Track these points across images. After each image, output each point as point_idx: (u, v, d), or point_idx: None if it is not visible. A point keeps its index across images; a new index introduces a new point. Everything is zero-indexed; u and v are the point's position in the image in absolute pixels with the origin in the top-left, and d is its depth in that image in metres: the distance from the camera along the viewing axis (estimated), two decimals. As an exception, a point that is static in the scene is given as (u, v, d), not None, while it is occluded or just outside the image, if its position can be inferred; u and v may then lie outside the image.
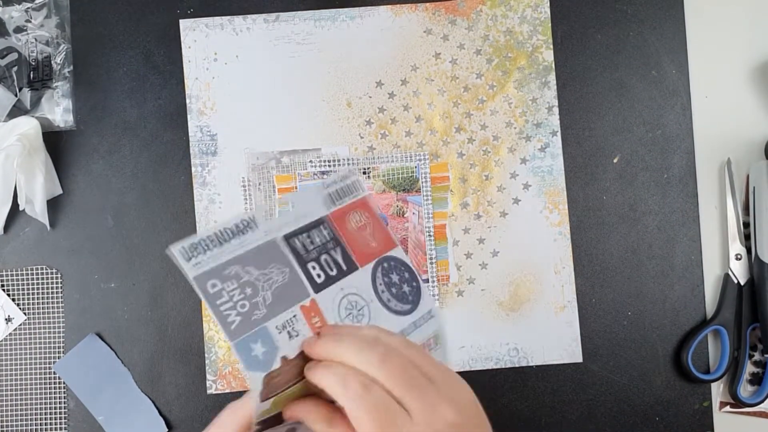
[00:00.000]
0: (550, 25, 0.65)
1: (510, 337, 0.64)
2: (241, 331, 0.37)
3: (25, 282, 0.64)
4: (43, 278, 0.64)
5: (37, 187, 0.62)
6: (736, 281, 0.64)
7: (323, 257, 0.41)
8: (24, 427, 0.63)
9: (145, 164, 0.65)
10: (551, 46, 0.65)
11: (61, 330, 0.63)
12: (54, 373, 0.63)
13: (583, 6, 0.66)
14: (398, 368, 0.35)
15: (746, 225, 0.64)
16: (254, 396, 0.36)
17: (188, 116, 0.65)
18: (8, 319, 0.63)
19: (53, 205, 0.64)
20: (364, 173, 0.64)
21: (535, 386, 0.64)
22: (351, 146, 0.65)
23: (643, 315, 0.64)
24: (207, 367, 0.63)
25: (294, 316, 0.39)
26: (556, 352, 0.64)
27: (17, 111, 0.64)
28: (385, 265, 0.43)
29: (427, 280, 0.64)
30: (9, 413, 0.63)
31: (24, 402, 0.63)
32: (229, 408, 0.38)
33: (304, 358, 0.38)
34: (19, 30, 0.65)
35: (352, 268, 0.42)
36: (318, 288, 0.40)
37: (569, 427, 0.64)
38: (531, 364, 0.64)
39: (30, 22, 0.64)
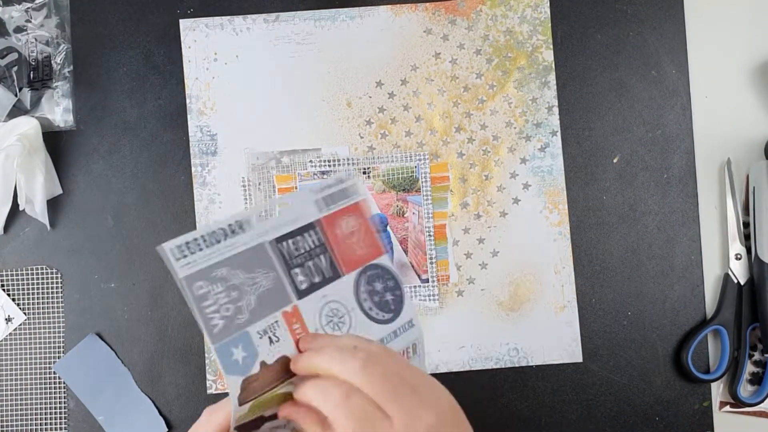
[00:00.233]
0: (550, 25, 0.65)
1: (510, 337, 0.64)
2: (224, 335, 0.37)
3: (25, 282, 0.64)
4: (43, 278, 0.64)
5: (37, 187, 0.62)
6: (736, 281, 0.64)
7: (309, 263, 0.41)
8: (24, 427, 0.63)
9: (145, 164, 0.65)
10: (551, 46, 0.65)
11: (61, 330, 0.63)
12: (54, 373, 0.63)
13: (583, 6, 0.66)
14: (378, 375, 0.36)
15: (746, 225, 0.64)
16: (232, 400, 0.37)
17: (188, 116, 0.65)
18: (8, 319, 0.63)
19: (53, 205, 0.64)
20: (364, 173, 0.64)
21: (535, 386, 0.64)
22: (351, 146, 0.65)
23: (643, 315, 0.64)
24: (207, 367, 0.63)
25: (276, 321, 0.39)
26: (556, 352, 0.64)
27: (17, 111, 0.64)
28: (370, 273, 0.43)
29: (426, 280, 0.64)
30: (9, 413, 0.63)
31: (24, 402, 0.63)
32: (207, 412, 0.39)
33: (282, 364, 0.39)
34: (19, 30, 0.65)
35: (336, 275, 0.42)
36: (301, 294, 0.40)
37: (569, 427, 0.64)
38: (531, 364, 0.64)
39: (30, 22, 0.64)
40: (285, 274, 0.40)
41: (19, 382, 0.63)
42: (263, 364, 0.38)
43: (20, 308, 0.64)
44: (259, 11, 0.65)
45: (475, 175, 0.65)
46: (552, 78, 0.65)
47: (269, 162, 0.65)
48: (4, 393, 0.63)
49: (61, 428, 0.63)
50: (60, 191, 0.64)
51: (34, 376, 0.63)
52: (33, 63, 0.64)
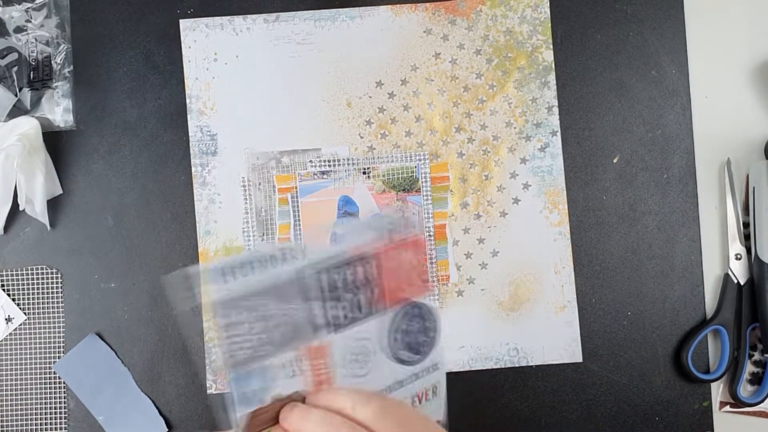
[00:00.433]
0: (549, 25, 0.65)
1: (510, 337, 0.64)
2: (244, 366, 0.36)
3: (25, 282, 0.64)
4: (43, 278, 0.64)
5: (37, 187, 0.62)
6: (736, 281, 0.64)
7: (350, 297, 0.39)
8: (24, 427, 0.63)
9: (145, 164, 0.65)
10: (551, 46, 0.65)
11: (61, 330, 0.63)
12: (54, 373, 0.63)
13: (583, 6, 0.66)
14: None
15: (746, 225, 0.64)
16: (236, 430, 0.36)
17: (188, 116, 0.65)
18: (8, 319, 0.63)
19: (53, 205, 0.64)
20: (364, 173, 0.64)
21: (535, 386, 0.64)
22: (351, 146, 0.65)
23: (643, 315, 0.64)
24: (207, 367, 0.63)
25: (299, 355, 0.37)
26: (556, 352, 0.64)
27: (17, 111, 0.64)
28: (411, 311, 0.42)
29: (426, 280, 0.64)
30: (9, 413, 0.63)
31: (24, 402, 0.63)
32: None
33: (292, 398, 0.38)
34: (19, 30, 0.65)
35: (377, 312, 0.40)
36: (334, 330, 0.39)
37: (569, 427, 0.64)
38: (531, 364, 0.64)
39: (30, 22, 0.64)
40: (321, 307, 0.38)
41: (19, 382, 0.63)
42: (275, 397, 0.37)
43: (20, 308, 0.64)
44: (259, 11, 0.65)
45: (475, 175, 0.65)
46: (552, 78, 0.65)
47: (269, 162, 0.65)
48: (4, 393, 0.63)
49: (61, 428, 0.63)
50: (60, 191, 0.64)
51: (34, 376, 0.63)
52: (33, 63, 0.64)
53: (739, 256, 0.64)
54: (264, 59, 0.65)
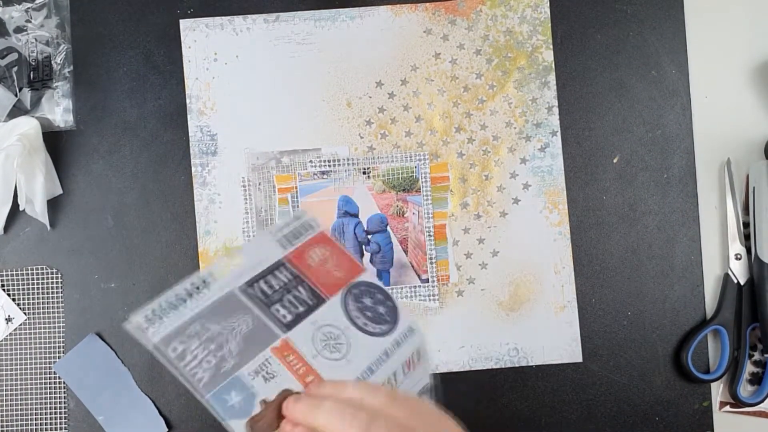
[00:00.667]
0: (549, 25, 0.65)
1: (510, 336, 0.64)
2: (212, 386, 0.38)
3: (25, 282, 0.64)
4: (43, 278, 0.64)
5: (37, 187, 0.62)
6: (735, 281, 0.64)
7: (288, 296, 0.42)
8: (24, 427, 0.63)
9: (145, 164, 0.65)
10: (551, 46, 0.65)
11: (61, 330, 0.63)
12: (54, 373, 0.63)
13: (583, 6, 0.66)
14: None
15: (746, 225, 0.64)
16: None
17: (188, 116, 0.65)
18: (8, 319, 0.63)
19: (53, 205, 0.64)
20: (364, 173, 0.64)
21: (535, 386, 0.64)
22: (351, 146, 0.65)
23: (643, 315, 0.64)
24: (207, 367, 0.63)
25: (266, 359, 0.39)
26: (556, 352, 0.64)
27: (17, 111, 0.64)
28: (355, 291, 0.44)
29: (426, 280, 0.64)
30: (9, 413, 0.63)
31: (24, 402, 0.63)
32: None
33: (286, 397, 0.39)
34: (19, 30, 0.65)
35: (320, 300, 0.42)
36: (288, 327, 0.41)
37: (569, 427, 0.64)
38: (531, 363, 0.64)
39: (30, 22, 0.64)
40: (264, 312, 0.41)
41: (19, 382, 0.63)
42: (264, 402, 0.38)
43: (20, 308, 0.64)
44: (259, 11, 0.65)
45: (475, 175, 0.65)
46: (552, 78, 0.65)
47: (269, 162, 0.65)
48: (4, 393, 0.63)
49: (61, 428, 0.63)
50: (60, 191, 0.64)
51: (34, 376, 0.63)
52: (33, 63, 0.64)
53: (739, 256, 0.64)
54: (264, 59, 0.65)
